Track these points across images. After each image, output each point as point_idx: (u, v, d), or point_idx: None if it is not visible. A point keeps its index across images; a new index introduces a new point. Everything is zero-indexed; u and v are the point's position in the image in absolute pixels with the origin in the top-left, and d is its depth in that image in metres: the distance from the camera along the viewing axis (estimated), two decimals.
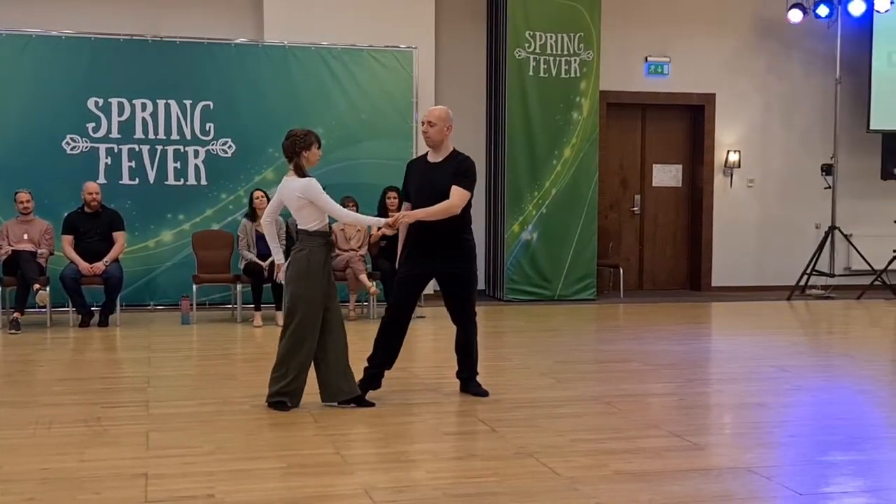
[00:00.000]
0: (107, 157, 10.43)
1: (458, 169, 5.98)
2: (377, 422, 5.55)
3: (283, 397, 5.73)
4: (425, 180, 6.01)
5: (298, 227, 5.80)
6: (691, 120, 13.18)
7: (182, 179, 10.65)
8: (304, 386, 5.78)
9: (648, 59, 12.72)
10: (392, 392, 6.17)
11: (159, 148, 10.58)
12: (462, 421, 5.61)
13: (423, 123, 6.07)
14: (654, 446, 5.03)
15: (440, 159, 6.04)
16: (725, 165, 13.03)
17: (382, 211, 10.03)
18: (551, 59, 11.64)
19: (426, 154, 6.18)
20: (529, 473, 4.53)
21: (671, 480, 4.45)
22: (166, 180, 10.60)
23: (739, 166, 13.02)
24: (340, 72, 11.02)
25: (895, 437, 5.44)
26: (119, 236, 9.66)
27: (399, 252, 6.17)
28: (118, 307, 9.51)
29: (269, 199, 9.88)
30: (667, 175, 13.21)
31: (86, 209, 9.60)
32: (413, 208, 6.00)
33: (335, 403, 5.80)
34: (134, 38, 10.55)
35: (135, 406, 5.90)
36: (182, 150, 10.64)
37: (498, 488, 4.32)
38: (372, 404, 5.84)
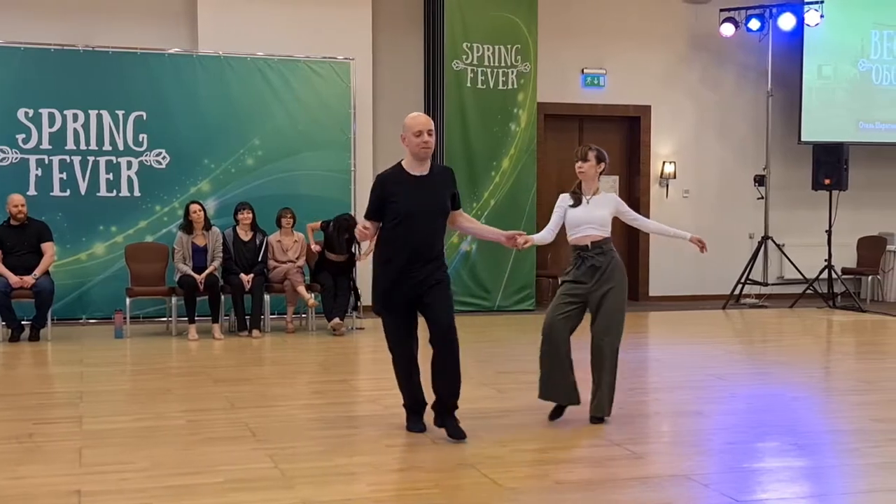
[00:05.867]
0: (37, 169, 10.20)
1: (453, 183, 5.58)
2: (317, 435, 5.49)
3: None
4: (422, 196, 5.34)
5: None
6: (627, 131, 13.33)
7: (115, 191, 10.45)
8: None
9: (585, 71, 12.83)
10: (332, 404, 6.11)
11: (91, 159, 10.37)
12: (403, 433, 5.56)
13: (422, 133, 5.27)
14: (595, 456, 5.05)
15: (427, 171, 5.41)
16: (661, 176, 13.20)
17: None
18: (489, 70, 11.69)
19: (398, 168, 5.41)
20: (471, 485, 4.51)
21: (612, 490, 4.47)
22: (98, 192, 10.40)
23: (675, 177, 13.19)
24: (277, 83, 10.92)
25: (830, 442, 5.53)
26: (47, 247, 9.44)
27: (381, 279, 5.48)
28: (49, 321, 9.31)
29: (205, 212, 9.81)
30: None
31: (12, 222, 9.38)
32: (412, 226, 5.29)
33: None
34: (65, 48, 10.33)
35: (68, 422, 5.77)
36: (115, 162, 10.45)
37: (440, 500, 4.29)
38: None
